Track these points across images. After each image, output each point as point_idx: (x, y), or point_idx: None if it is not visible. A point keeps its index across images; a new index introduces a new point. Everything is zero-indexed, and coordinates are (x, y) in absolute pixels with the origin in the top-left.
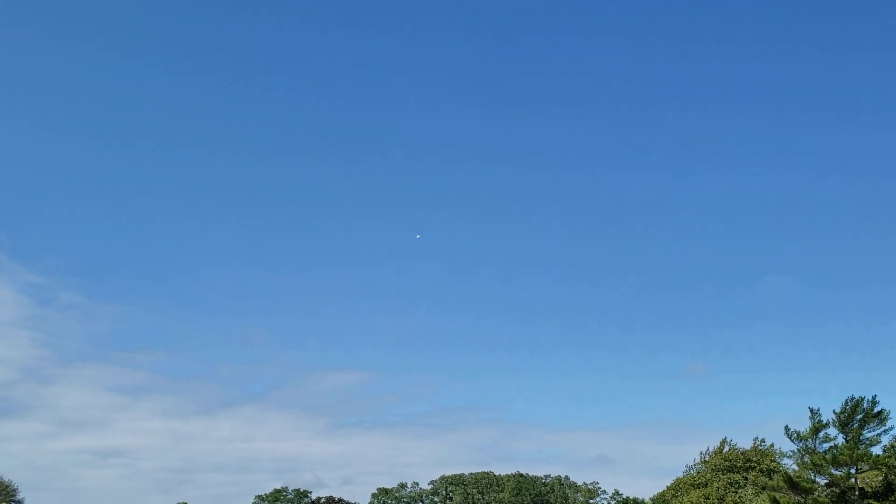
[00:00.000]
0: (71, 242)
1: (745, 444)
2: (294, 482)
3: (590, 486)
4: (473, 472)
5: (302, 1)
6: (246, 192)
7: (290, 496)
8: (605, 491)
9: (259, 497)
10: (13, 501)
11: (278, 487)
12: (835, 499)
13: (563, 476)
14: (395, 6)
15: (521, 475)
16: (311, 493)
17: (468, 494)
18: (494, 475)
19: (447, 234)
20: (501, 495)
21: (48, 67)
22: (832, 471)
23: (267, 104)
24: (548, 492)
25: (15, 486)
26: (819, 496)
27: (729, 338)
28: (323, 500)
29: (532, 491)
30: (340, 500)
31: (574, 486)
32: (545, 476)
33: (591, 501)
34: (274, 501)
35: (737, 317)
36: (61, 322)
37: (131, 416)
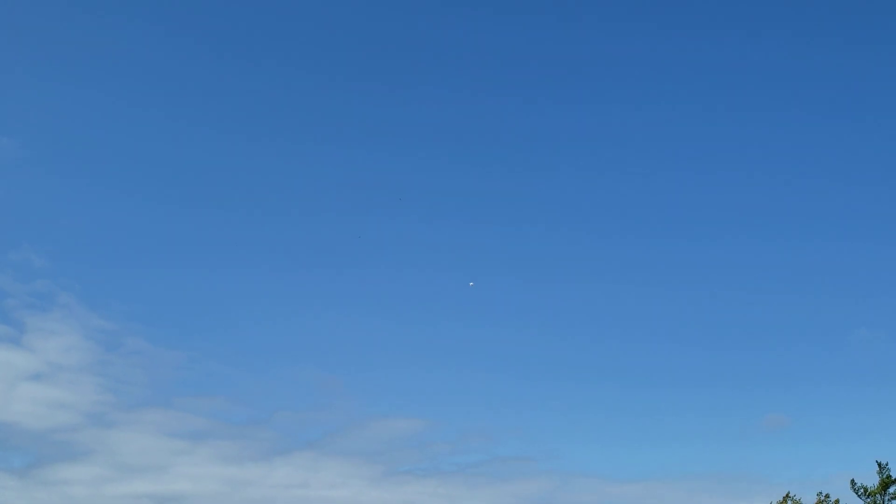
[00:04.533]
0: (138, 288)
1: (810, 499)
2: None
3: None
4: None
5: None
6: (296, 248)
7: None
8: None
9: None
10: None
11: None
12: None
13: None
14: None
15: None
16: None
17: None
18: None
19: (500, 292)
20: None
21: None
22: None
23: (343, 169)
24: None
25: None
26: None
27: (814, 390)
28: None
29: None
30: None
31: None
32: None
33: None
34: None
35: (824, 369)
36: (126, 367)
37: (190, 461)
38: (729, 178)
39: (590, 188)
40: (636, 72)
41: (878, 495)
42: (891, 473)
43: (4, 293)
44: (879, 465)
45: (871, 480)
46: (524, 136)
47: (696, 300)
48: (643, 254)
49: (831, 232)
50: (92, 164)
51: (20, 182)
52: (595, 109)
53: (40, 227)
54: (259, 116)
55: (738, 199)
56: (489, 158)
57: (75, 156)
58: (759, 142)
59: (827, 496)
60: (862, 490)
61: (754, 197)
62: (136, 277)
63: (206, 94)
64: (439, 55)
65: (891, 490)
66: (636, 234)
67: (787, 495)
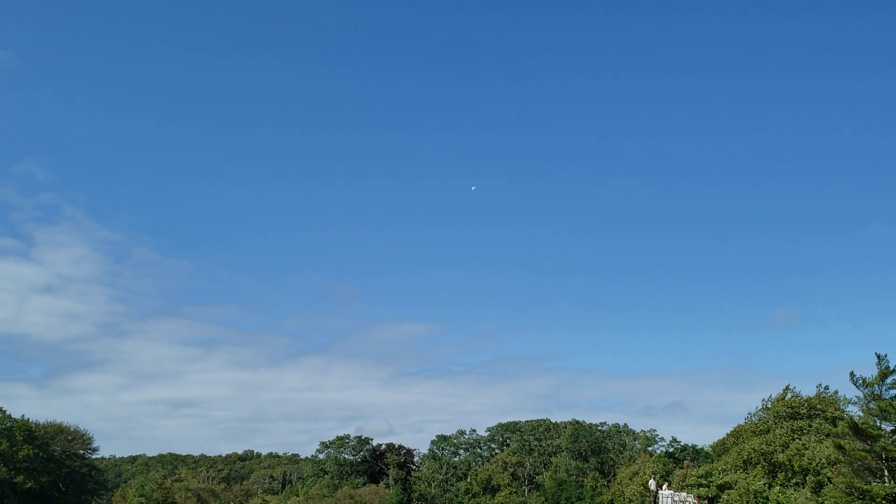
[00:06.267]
0: (145, 200)
1: (811, 391)
2: (359, 429)
3: (647, 434)
4: (531, 419)
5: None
6: (305, 163)
7: (352, 443)
8: (662, 438)
9: (323, 444)
10: (89, 450)
11: (341, 435)
12: None
13: (621, 424)
14: None
15: (578, 422)
16: (372, 440)
17: (524, 441)
18: (551, 422)
19: (503, 195)
20: (558, 441)
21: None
22: None
23: (345, 85)
24: (605, 438)
25: (90, 436)
26: (886, 443)
27: (825, 285)
28: (384, 446)
29: (589, 437)
30: (400, 446)
31: (632, 434)
32: (601, 424)
33: (649, 448)
34: (338, 448)
35: (837, 264)
36: (136, 278)
37: (203, 367)
38: (741, 71)
39: (592, 91)
40: None
41: (875, 385)
42: (889, 364)
43: (10, 207)
44: (878, 356)
45: (873, 372)
46: (520, 47)
47: (705, 192)
48: (649, 148)
49: (847, 124)
50: (93, 78)
51: (17, 94)
52: (590, 19)
53: (42, 141)
54: (256, 34)
55: (750, 94)
56: (487, 69)
57: (75, 69)
58: (772, 37)
59: (826, 388)
60: (861, 381)
61: (767, 89)
62: (142, 189)
63: (209, 13)
64: None
65: (888, 380)
66: (641, 129)
67: (786, 388)
